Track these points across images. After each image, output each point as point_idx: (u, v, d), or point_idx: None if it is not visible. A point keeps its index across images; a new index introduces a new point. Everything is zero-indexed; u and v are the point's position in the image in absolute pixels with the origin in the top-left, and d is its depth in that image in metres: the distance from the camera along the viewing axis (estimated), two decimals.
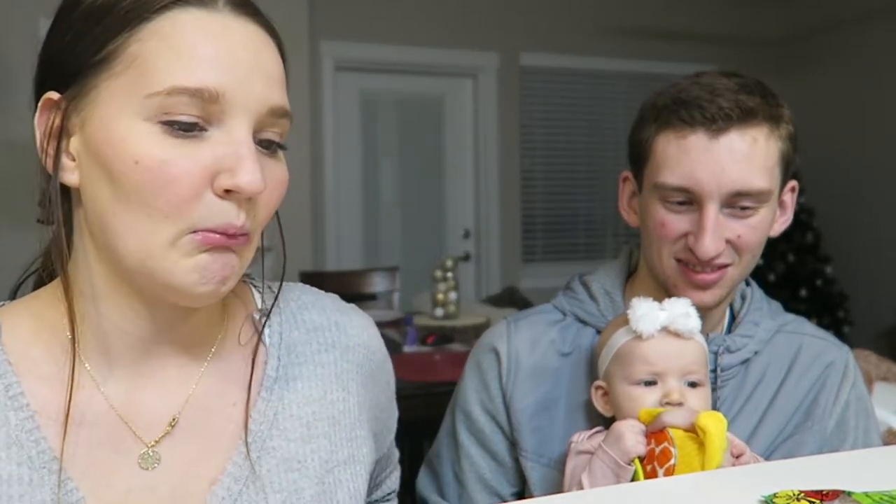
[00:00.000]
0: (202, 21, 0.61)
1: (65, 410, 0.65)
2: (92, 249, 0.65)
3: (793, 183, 1.03)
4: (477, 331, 2.68)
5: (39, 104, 0.63)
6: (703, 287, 0.99)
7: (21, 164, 3.71)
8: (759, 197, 0.96)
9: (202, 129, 0.60)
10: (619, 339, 0.96)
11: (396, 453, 0.92)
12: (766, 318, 1.08)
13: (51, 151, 0.63)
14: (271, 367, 0.74)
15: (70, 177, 0.63)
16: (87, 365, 0.67)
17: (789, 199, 1.05)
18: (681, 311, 0.92)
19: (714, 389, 1.02)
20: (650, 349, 0.92)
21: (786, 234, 4.68)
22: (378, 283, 3.63)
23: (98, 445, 0.66)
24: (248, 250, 0.65)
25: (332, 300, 0.82)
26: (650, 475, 0.85)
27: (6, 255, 3.70)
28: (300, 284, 0.83)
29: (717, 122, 0.93)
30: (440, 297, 2.91)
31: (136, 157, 0.58)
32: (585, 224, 5.06)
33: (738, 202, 0.96)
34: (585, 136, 4.96)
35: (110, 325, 0.67)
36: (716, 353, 1.02)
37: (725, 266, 0.99)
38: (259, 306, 0.77)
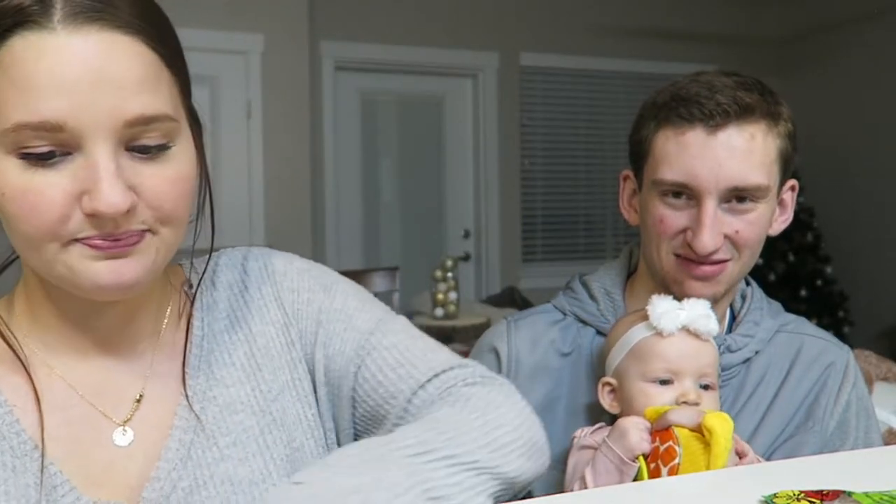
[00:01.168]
0: (38, 46, 0.58)
1: (71, 406, 0.70)
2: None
3: (792, 182, 1.03)
4: (477, 331, 2.68)
5: None
6: (703, 279, 0.99)
7: None
8: (756, 193, 0.96)
9: (64, 153, 0.60)
10: (637, 334, 0.95)
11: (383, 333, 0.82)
12: (766, 317, 1.08)
13: None
14: (197, 327, 0.78)
15: None
16: (48, 356, 0.72)
17: (789, 197, 1.05)
18: (701, 312, 0.93)
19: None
20: (670, 347, 0.92)
21: (786, 234, 4.67)
22: (378, 283, 3.62)
23: (74, 428, 0.70)
24: (155, 244, 0.66)
25: (240, 251, 0.84)
26: (654, 473, 0.85)
27: (6, 254, 3.68)
28: (226, 250, 0.85)
29: (715, 118, 0.94)
30: (440, 297, 2.91)
31: (2, 190, 0.60)
32: (585, 224, 5.06)
33: (735, 198, 0.96)
34: (585, 136, 4.96)
35: (68, 321, 0.71)
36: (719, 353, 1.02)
37: (724, 261, 0.99)
38: (187, 277, 0.82)
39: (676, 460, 0.83)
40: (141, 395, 0.74)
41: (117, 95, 0.60)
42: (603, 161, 4.99)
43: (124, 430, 0.72)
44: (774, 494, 0.64)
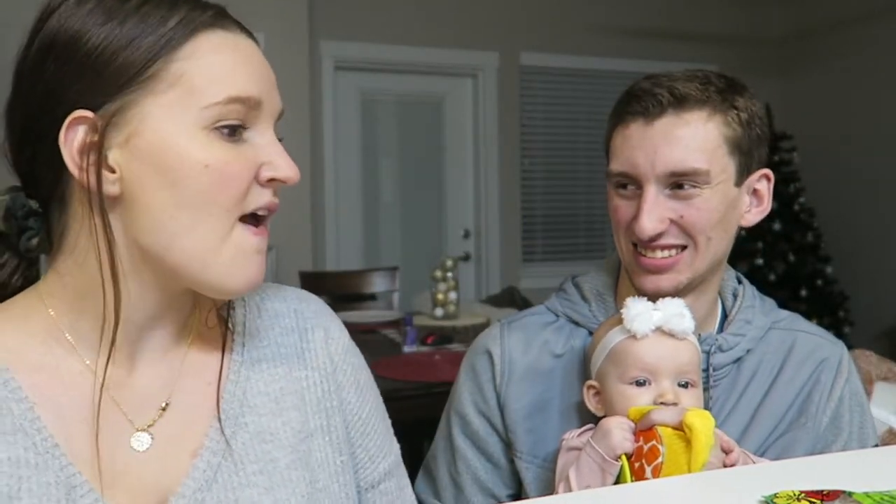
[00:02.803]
0: (228, 41, 0.70)
1: (96, 405, 0.71)
2: (103, 247, 0.69)
3: (764, 171, 1.03)
4: (477, 331, 2.68)
5: (67, 122, 0.66)
6: (656, 271, 1.00)
7: None
8: (696, 177, 0.97)
9: (242, 129, 0.69)
10: (613, 338, 0.96)
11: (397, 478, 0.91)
12: (758, 315, 1.08)
13: (85, 165, 0.66)
14: (237, 352, 0.80)
15: (111, 188, 0.67)
16: (79, 351, 0.72)
17: (763, 187, 1.04)
18: (675, 312, 0.93)
19: (706, 389, 1.02)
20: (644, 349, 0.92)
21: (786, 234, 4.68)
22: (378, 283, 3.63)
23: (92, 432, 0.71)
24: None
25: (293, 291, 0.89)
26: (638, 472, 0.85)
27: None
28: (270, 283, 0.89)
29: (653, 110, 0.97)
30: (440, 297, 2.91)
31: (205, 162, 0.66)
32: (585, 224, 5.06)
33: (676, 182, 0.97)
34: (585, 135, 4.96)
35: (108, 318, 0.71)
36: (707, 353, 1.02)
37: (675, 248, 0.99)
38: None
39: (660, 459, 0.84)
40: (167, 404, 0.75)
41: (277, 91, 0.74)
42: (603, 161, 4.98)
43: (143, 435, 0.73)
44: (774, 494, 0.64)
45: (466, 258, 4.76)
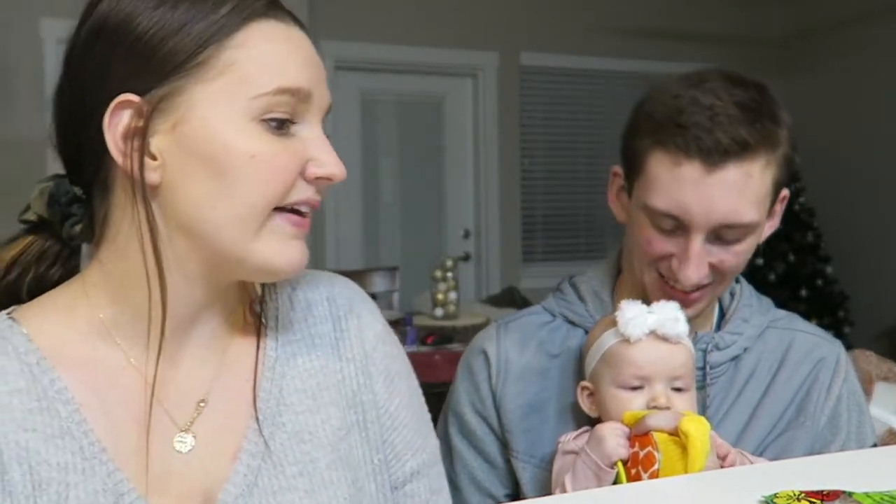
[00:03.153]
0: (281, 31, 0.68)
1: (144, 405, 0.69)
2: (146, 236, 0.67)
3: (784, 193, 1.02)
4: (477, 331, 2.69)
5: (112, 105, 0.64)
6: (684, 303, 0.99)
7: (21, 165, 3.73)
8: (746, 229, 0.96)
9: (291, 123, 0.68)
10: (607, 341, 0.95)
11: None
12: (755, 314, 1.08)
13: (128, 151, 0.65)
14: (270, 347, 0.77)
15: (151, 175, 0.65)
16: (123, 347, 0.70)
17: (779, 207, 1.04)
18: (669, 316, 0.92)
19: (703, 387, 1.02)
20: (638, 353, 0.92)
21: (786, 234, 4.68)
22: (378, 283, 3.63)
23: (138, 431, 0.69)
24: None
25: (326, 277, 0.86)
26: (634, 479, 0.85)
27: None
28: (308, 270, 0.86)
29: (714, 156, 0.91)
30: (440, 297, 2.91)
31: (252, 153, 0.65)
32: (585, 224, 5.06)
33: (724, 233, 0.95)
34: (585, 135, 4.96)
35: (154, 310, 0.69)
36: (704, 351, 1.02)
37: (705, 286, 0.99)
38: (259, 291, 0.81)
39: (656, 466, 0.83)
40: (203, 401, 0.73)
41: (326, 85, 0.72)
42: (603, 161, 4.98)
43: (187, 436, 0.71)
44: (775, 494, 0.64)
45: (466, 258, 4.76)
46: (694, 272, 0.95)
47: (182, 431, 0.71)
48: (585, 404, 0.98)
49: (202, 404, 0.72)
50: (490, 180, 4.76)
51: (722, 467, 0.86)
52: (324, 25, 4.22)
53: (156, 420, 0.70)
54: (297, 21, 0.70)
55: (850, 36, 4.80)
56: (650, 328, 0.92)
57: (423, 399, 0.87)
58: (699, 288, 0.99)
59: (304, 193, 0.69)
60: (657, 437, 0.85)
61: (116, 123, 0.65)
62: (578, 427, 0.99)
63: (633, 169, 1.00)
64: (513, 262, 4.83)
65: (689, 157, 0.93)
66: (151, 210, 0.66)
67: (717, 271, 0.98)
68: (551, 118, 4.91)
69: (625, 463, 0.87)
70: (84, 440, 0.66)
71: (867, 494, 0.63)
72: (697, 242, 0.95)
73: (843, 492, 0.64)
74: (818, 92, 4.98)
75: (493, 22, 4.65)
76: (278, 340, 0.78)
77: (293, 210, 0.69)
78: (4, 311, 0.72)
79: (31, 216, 0.73)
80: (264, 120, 0.66)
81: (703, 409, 1.01)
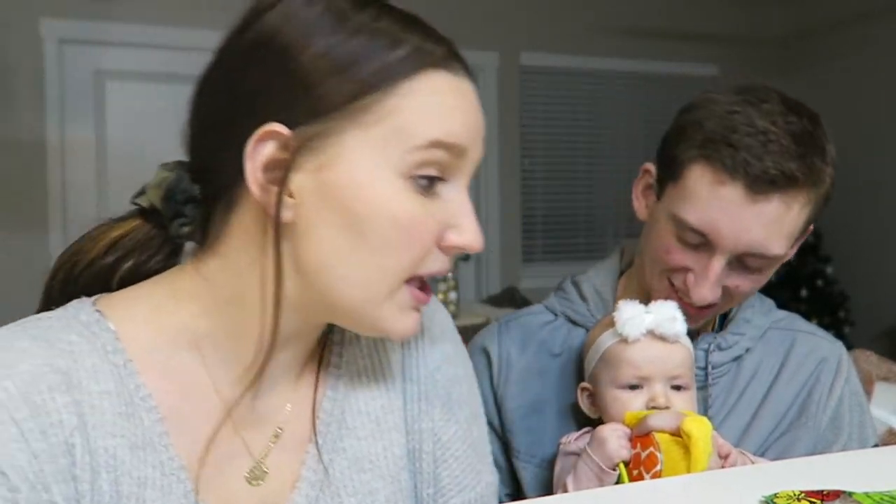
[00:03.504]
0: (451, 83, 0.63)
1: (217, 428, 0.65)
2: (268, 267, 0.63)
3: (810, 227, 1.00)
4: (477, 331, 2.69)
5: (259, 133, 0.60)
6: (686, 315, 0.98)
7: (21, 165, 3.73)
8: (770, 261, 0.95)
9: (440, 181, 0.63)
10: (605, 341, 0.95)
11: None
12: (758, 315, 1.08)
13: (264, 182, 0.60)
14: (334, 364, 0.73)
15: (285, 213, 0.61)
16: (207, 362, 0.67)
17: (799, 242, 1.02)
18: (667, 316, 0.92)
19: (705, 387, 1.02)
20: (636, 353, 0.92)
21: None
22: None
23: (216, 454, 0.66)
24: None
25: None
26: (636, 480, 0.85)
27: (6, 254, 3.69)
28: None
29: (759, 185, 0.89)
30: (440, 297, 2.91)
31: (395, 214, 0.60)
32: (585, 224, 5.06)
33: (747, 261, 0.94)
34: (585, 135, 4.96)
35: (251, 333, 0.65)
36: (706, 351, 1.02)
37: (714, 304, 0.99)
38: None
39: (658, 466, 0.83)
40: (280, 430, 0.69)
41: (483, 141, 0.67)
42: (603, 161, 4.98)
43: (258, 468, 0.68)
44: (775, 494, 0.64)
45: (466, 258, 4.76)
46: (709, 292, 0.94)
47: (256, 462, 0.67)
48: (585, 405, 0.98)
49: (276, 434, 0.69)
50: (490, 180, 4.76)
51: (723, 467, 0.86)
52: None
53: (233, 448, 0.66)
54: (468, 72, 0.66)
55: (850, 36, 4.80)
56: (648, 328, 0.91)
57: (484, 430, 0.81)
58: (708, 306, 0.98)
59: (437, 264, 0.64)
60: (659, 437, 0.85)
61: (259, 152, 0.60)
62: (579, 427, 0.99)
63: (670, 174, 0.97)
64: (513, 262, 4.83)
65: (733, 179, 0.90)
66: (280, 249, 0.61)
67: (728, 294, 0.98)
68: (551, 118, 4.91)
69: (627, 464, 0.87)
70: (164, 454, 0.63)
71: (867, 494, 0.63)
72: (719, 264, 0.93)
73: (843, 492, 0.64)
74: (818, 92, 4.98)
75: (492, 22, 4.65)
76: (343, 357, 0.73)
77: (420, 283, 0.65)
78: (90, 300, 0.67)
79: (143, 201, 0.68)
80: (413, 177, 0.61)
81: (704, 409, 1.01)
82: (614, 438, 0.88)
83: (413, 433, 0.73)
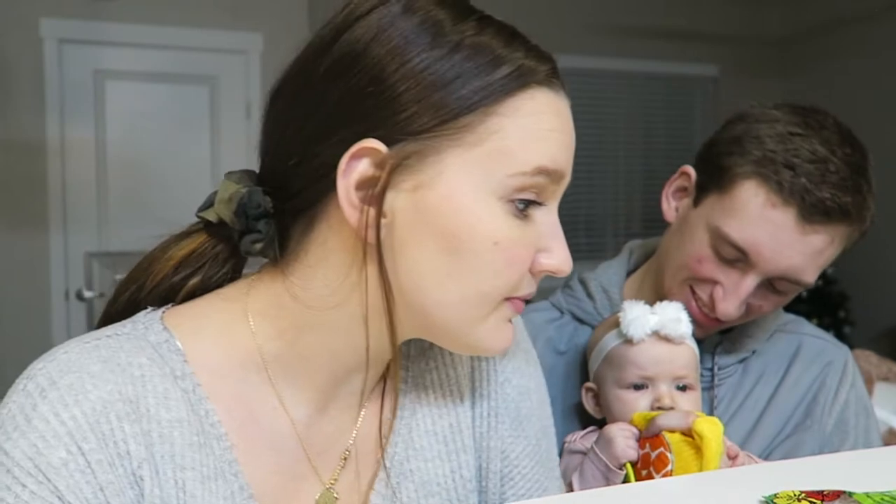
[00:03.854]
0: (553, 102, 0.61)
1: (295, 456, 0.63)
2: (352, 288, 0.60)
3: None
4: None
5: (355, 149, 0.56)
6: (701, 325, 0.98)
7: (21, 165, 3.73)
8: (799, 287, 0.95)
9: (537, 206, 0.61)
10: (610, 342, 0.95)
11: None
12: (765, 318, 1.07)
13: (358, 203, 0.57)
14: (401, 379, 0.69)
15: (373, 231, 0.58)
16: (277, 384, 0.64)
17: None
18: (672, 317, 0.92)
19: (711, 388, 1.02)
20: (641, 354, 0.92)
21: None
22: None
23: (285, 480, 0.63)
24: None
25: None
26: (647, 480, 0.85)
27: (6, 254, 3.69)
28: None
29: (813, 215, 0.89)
30: None
31: (496, 239, 0.58)
32: (585, 224, 5.06)
33: (778, 284, 0.94)
34: (585, 135, 4.93)
35: (326, 354, 0.63)
36: (713, 353, 1.02)
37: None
38: None
39: (669, 467, 0.83)
40: (348, 453, 0.66)
41: None
42: (603, 161, 4.98)
43: (329, 494, 0.65)
44: (775, 495, 0.64)
45: None
46: (735, 310, 0.94)
47: (326, 488, 0.65)
48: (590, 405, 0.98)
49: (345, 457, 0.66)
50: None
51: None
52: None
53: (301, 473, 0.64)
54: (565, 89, 0.64)
55: (850, 36, 4.80)
56: (653, 329, 0.91)
57: (553, 443, 0.78)
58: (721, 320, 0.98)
59: (528, 287, 0.62)
60: (669, 437, 0.84)
61: (353, 169, 0.57)
62: (584, 426, 0.98)
63: (717, 184, 0.95)
64: None
65: (787, 204, 0.89)
66: (386, 271, 0.58)
67: (749, 312, 0.98)
68: None
69: (634, 464, 0.87)
70: (235, 483, 0.60)
71: (867, 494, 0.63)
72: (752, 283, 0.93)
73: (844, 492, 0.63)
74: (818, 92, 4.98)
75: None
76: (409, 371, 0.70)
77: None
78: (158, 313, 0.64)
79: (210, 215, 0.65)
80: (512, 200, 0.58)
81: (710, 410, 1.01)
82: (622, 438, 0.88)
83: (482, 451, 0.71)
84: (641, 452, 0.86)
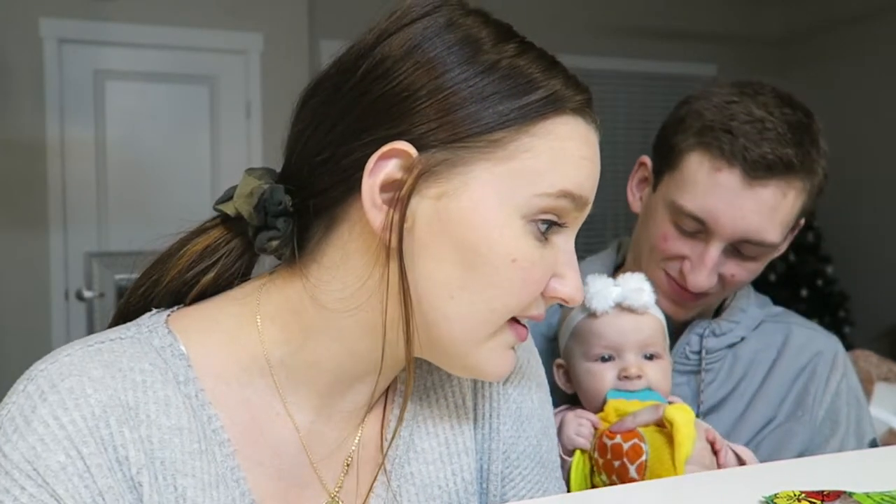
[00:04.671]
0: (583, 132, 0.62)
1: (298, 463, 0.62)
2: (365, 293, 0.60)
3: (800, 221, 1.02)
4: None
5: (385, 149, 0.57)
6: (680, 303, 1.00)
7: (21, 165, 3.73)
8: (765, 249, 0.96)
9: (558, 228, 0.61)
10: (575, 317, 0.96)
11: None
12: (752, 305, 1.09)
13: (380, 204, 0.57)
14: (401, 378, 0.69)
15: (395, 237, 0.57)
16: (281, 390, 0.63)
17: (790, 235, 1.04)
18: (634, 287, 0.92)
19: (698, 372, 1.02)
20: (605, 326, 0.92)
21: None
22: None
23: (287, 486, 0.63)
24: None
25: None
26: (620, 472, 0.85)
27: (6, 253, 3.69)
28: None
29: (757, 170, 0.91)
30: None
31: (514, 256, 0.58)
32: (585, 224, 4.98)
33: (743, 248, 0.95)
34: None
35: (331, 362, 0.63)
36: (701, 336, 1.03)
37: (707, 294, 1.00)
38: None
39: (643, 457, 0.83)
40: (351, 458, 0.66)
41: None
42: (603, 161, 4.97)
43: (333, 502, 0.64)
44: (775, 495, 0.64)
45: None
46: (705, 279, 0.95)
47: (331, 496, 0.64)
48: (561, 382, 0.99)
49: (348, 463, 0.66)
50: None
51: (716, 453, 0.86)
52: (324, 25, 4.22)
53: (304, 481, 0.63)
54: (597, 123, 0.65)
55: (850, 36, 4.80)
56: (615, 300, 0.92)
57: (554, 443, 0.78)
58: (703, 294, 0.99)
59: (538, 309, 0.62)
60: (642, 428, 0.85)
61: (380, 170, 0.57)
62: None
63: (667, 164, 0.99)
64: None
65: (731, 166, 0.92)
66: (407, 280, 0.57)
67: (723, 283, 0.99)
68: None
69: (605, 456, 0.86)
70: (237, 490, 0.60)
71: (867, 495, 0.63)
72: (715, 251, 0.95)
73: (844, 492, 0.63)
74: (817, 92, 4.98)
75: None
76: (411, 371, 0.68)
77: (517, 321, 0.62)
78: (164, 315, 0.64)
79: (228, 209, 0.64)
80: (534, 221, 0.59)
81: (696, 394, 1.02)
82: (574, 425, 0.88)
83: (483, 453, 0.70)
84: (611, 443, 0.86)
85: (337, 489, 0.65)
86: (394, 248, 0.57)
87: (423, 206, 0.58)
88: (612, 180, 5.55)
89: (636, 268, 1.06)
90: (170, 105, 3.74)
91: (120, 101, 3.68)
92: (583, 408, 0.94)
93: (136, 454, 0.57)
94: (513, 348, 0.64)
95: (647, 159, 1.06)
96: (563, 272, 0.62)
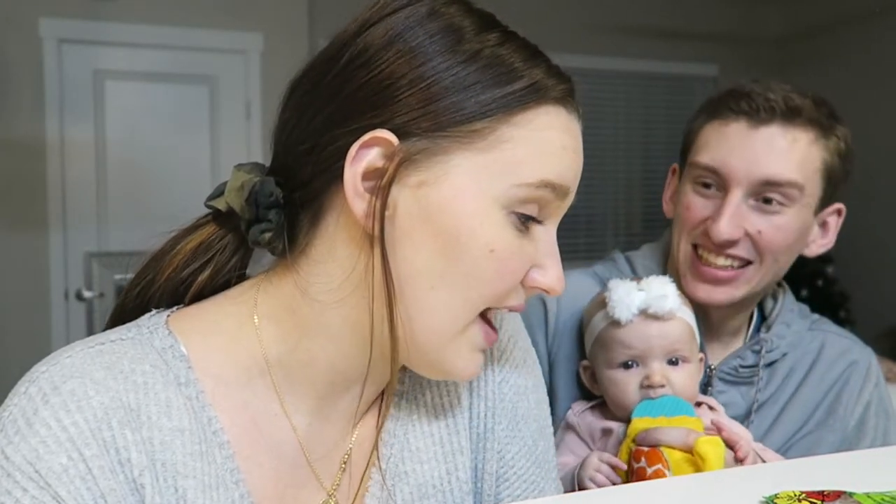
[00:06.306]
0: (566, 121, 0.61)
1: (296, 464, 0.62)
2: (352, 286, 0.60)
3: (838, 205, 1.02)
4: None
5: (366, 137, 0.57)
6: (714, 282, 0.97)
7: (21, 164, 3.73)
8: (788, 191, 0.94)
9: (535, 223, 0.61)
10: (598, 324, 0.95)
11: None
12: (797, 319, 1.09)
13: (362, 191, 0.57)
14: (398, 378, 0.68)
15: (377, 226, 0.57)
16: (279, 390, 0.63)
17: (833, 221, 1.03)
18: (657, 293, 0.91)
19: (751, 384, 1.02)
20: (628, 333, 0.91)
21: None
22: None
23: (285, 487, 0.63)
24: None
25: None
26: None
27: (6, 253, 3.69)
28: None
29: (760, 113, 0.94)
30: None
31: (492, 246, 0.58)
32: (585, 224, 5.06)
33: (764, 193, 0.94)
34: (585, 135, 4.91)
35: (325, 363, 0.63)
36: (758, 352, 1.02)
37: (742, 263, 0.97)
38: None
39: None
40: (347, 457, 0.66)
41: None
42: (602, 161, 4.98)
43: (330, 501, 0.64)
44: (775, 495, 0.64)
45: None
46: (725, 223, 0.94)
47: (328, 495, 0.65)
48: (588, 383, 0.98)
49: (344, 462, 0.66)
50: None
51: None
52: (324, 25, 4.22)
53: (301, 481, 0.64)
54: (580, 113, 0.64)
55: (850, 36, 4.80)
56: (639, 307, 0.90)
57: (550, 444, 0.77)
58: (733, 259, 0.97)
59: (516, 300, 0.62)
60: (668, 455, 0.83)
61: (362, 158, 0.57)
62: (582, 395, 0.98)
63: (687, 146, 1.02)
64: None
65: (737, 116, 0.96)
66: (388, 261, 0.57)
67: (755, 245, 0.96)
68: None
69: (630, 476, 0.85)
70: (236, 492, 0.60)
71: (867, 495, 0.63)
72: (735, 197, 0.95)
73: (844, 492, 0.63)
74: (818, 92, 4.98)
75: None
76: (406, 372, 0.68)
77: (488, 322, 0.62)
78: (164, 316, 0.64)
79: (220, 204, 0.64)
80: (514, 212, 0.59)
81: (749, 409, 1.01)
82: (592, 471, 0.87)
83: (478, 452, 0.70)
84: (637, 466, 0.85)
85: (333, 488, 0.65)
86: (376, 237, 0.58)
87: (403, 195, 0.58)
88: (613, 180, 5.56)
89: (673, 262, 1.05)
90: (170, 105, 3.74)
91: (120, 101, 3.67)
92: (608, 408, 0.94)
93: (137, 456, 0.57)
94: (482, 352, 0.64)
95: (676, 165, 1.09)
96: (543, 262, 0.62)
